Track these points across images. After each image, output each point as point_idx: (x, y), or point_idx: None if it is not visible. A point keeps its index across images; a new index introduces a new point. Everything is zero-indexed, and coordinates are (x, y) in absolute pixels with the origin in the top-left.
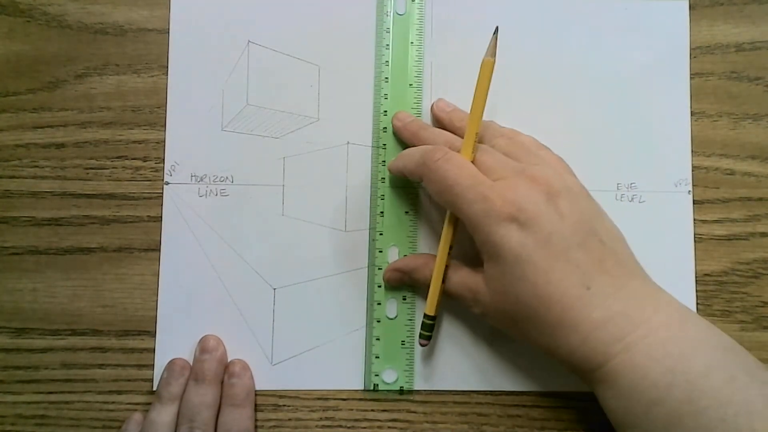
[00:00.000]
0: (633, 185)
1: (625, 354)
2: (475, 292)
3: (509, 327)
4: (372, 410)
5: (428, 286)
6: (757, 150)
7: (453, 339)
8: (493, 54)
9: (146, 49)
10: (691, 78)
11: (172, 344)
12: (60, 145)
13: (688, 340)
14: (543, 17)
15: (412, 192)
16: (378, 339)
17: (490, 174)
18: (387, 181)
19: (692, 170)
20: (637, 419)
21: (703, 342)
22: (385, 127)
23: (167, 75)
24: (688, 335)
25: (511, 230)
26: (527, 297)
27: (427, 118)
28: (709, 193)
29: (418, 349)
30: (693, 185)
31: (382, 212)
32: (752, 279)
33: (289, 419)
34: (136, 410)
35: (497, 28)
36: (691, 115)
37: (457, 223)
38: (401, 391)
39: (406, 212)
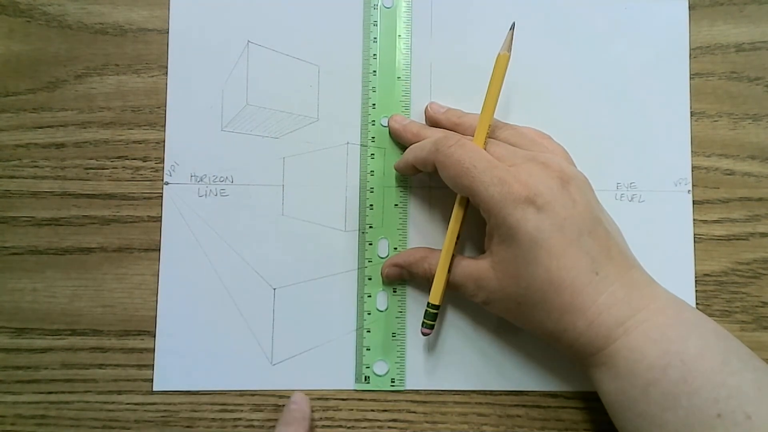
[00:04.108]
0: (633, 185)
1: (625, 337)
2: (479, 280)
3: (513, 312)
4: (372, 410)
5: (427, 280)
6: (757, 150)
7: (453, 339)
8: (509, 49)
9: (146, 49)
10: (691, 78)
11: (172, 344)
12: (60, 145)
13: (683, 324)
14: (542, 17)
15: (401, 184)
16: (369, 331)
17: (503, 162)
18: (375, 174)
19: (692, 170)
20: (633, 400)
21: (698, 327)
22: (374, 120)
23: (167, 75)
24: (683, 320)
25: (528, 213)
26: (539, 281)
27: (416, 112)
28: (708, 193)
29: (410, 341)
30: (693, 185)
31: (371, 205)
32: (752, 279)
33: None
34: (135, 410)
35: (514, 23)
36: (691, 115)
37: (465, 212)
38: (393, 383)
39: (396, 205)
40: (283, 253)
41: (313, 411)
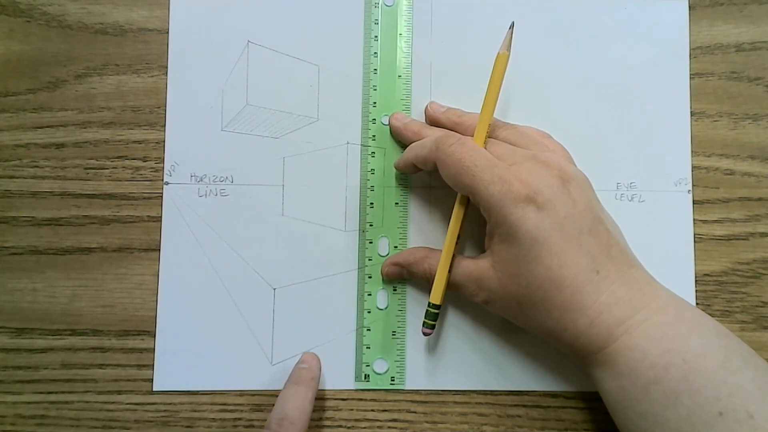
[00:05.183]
0: (633, 185)
1: (626, 336)
2: (479, 280)
3: (514, 312)
4: (372, 410)
5: (427, 280)
6: (757, 150)
7: (453, 338)
8: (508, 48)
9: (146, 49)
10: (691, 78)
11: (172, 344)
12: (60, 145)
13: (684, 323)
14: (542, 17)
15: (401, 183)
16: (369, 329)
17: (503, 161)
18: (376, 173)
19: (692, 170)
20: (635, 399)
21: (699, 326)
22: (374, 119)
23: (167, 75)
24: (684, 319)
25: (529, 212)
26: (539, 279)
27: (416, 111)
28: (709, 193)
29: (410, 341)
30: (693, 185)
31: (371, 203)
32: (752, 279)
33: None
34: (135, 410)
35: (513, 23)
36: (691, 115)
37: (466, 211)
38: (393, 381)
39: (396, 203)
40: (283, 253)
41: (313, 411)
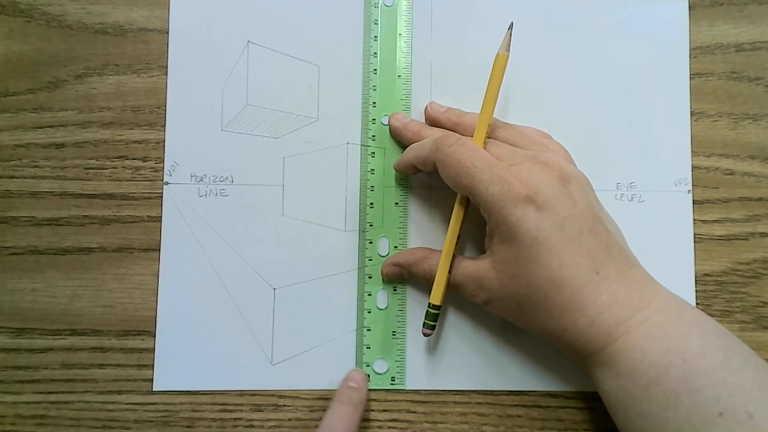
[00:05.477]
0: (633, 185)
1: (626, 336)
2: (479, 280)
3: (514, 312)
4: (372, 410)
5: (427, 281)
6: (757, 150)
7: (453, 338)
8: (507, 48)
9: (146, 49)
10: (691, 78)
11: (172, 344)
12: (60, 145)
13: (684, 323)
14: (542, 17)
15: (401, 184)
16: (369, 330)
17: (503, 161)
18: (376, 173)
19: (692, 170)
20: (635, 399)
21: (699, 326)
22: (374, 119)
23: (167, 75)
24: (684, 319)
25: (529, 212)
26: (539, 279)
27: (416, 111)
28: (708, 193)
29: (410, 341)
30: (693, 185)
31: (371, 203)
32: (752, 279)
33: (289, 419)
34: (135, 410)
35: (512, 23)
36: (691, 115)
37: (465, 212)
38: (393, 381)
39: (396, 203)
40: (283, 253)
41: (312, 411)
